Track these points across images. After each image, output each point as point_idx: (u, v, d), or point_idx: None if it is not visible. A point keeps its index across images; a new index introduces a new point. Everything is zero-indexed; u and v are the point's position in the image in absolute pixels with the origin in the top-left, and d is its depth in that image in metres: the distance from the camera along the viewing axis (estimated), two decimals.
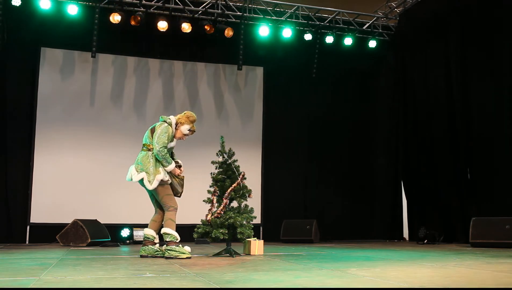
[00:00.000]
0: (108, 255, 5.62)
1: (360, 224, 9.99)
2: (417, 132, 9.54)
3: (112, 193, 8.73)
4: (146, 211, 6.14)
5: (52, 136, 8.65)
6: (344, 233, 9.70)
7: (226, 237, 5.38)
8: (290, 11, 9.62)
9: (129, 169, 5.40)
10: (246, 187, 5.66)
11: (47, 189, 8.48)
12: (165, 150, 5.29)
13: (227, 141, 5.81)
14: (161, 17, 8.85)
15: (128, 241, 8.30)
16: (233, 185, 5.55)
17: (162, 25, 8.80)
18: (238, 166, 5.72)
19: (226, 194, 5.53)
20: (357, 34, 10.06)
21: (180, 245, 5.24)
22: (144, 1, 8.84)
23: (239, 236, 5.41)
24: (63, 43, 8.85)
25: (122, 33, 8.96)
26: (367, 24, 10.14)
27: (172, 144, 5.44)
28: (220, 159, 5.74)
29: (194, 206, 6.55)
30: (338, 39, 9.95)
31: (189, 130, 5.53)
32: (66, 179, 8.59)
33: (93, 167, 8.79)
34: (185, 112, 5.62)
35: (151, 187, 5.24)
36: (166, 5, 8.97)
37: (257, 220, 7.77)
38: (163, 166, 5.29)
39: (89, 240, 7.44)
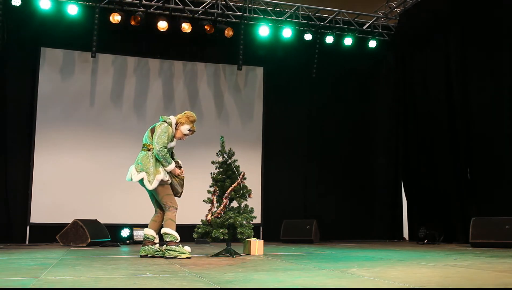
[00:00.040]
0: (108, 255, 5.62)
1: (360, 224, 9.98)
2: (417, 132, 9.54)
3: (112, 193, 8.73)
4: (146, 211, 6.14)
5: (52, 136, 8.65)
6: (344, 233, 9.69)
7: (226, 237, 5.38)
8: (290, 11, 9.62)
9: (129, 169, 5.40)
10: (246, 187, 5.66)
11: (47, 189, 8.48)
12: (165, 150, 5.29)
13: (227, 141, 5.81)
14: (161, 17, 8.85)
15: (128, 241, 8.30)
16: (233, 185, 5.55)
17: (162, 25, 8.80)
18: (238, 166, 5.72)
19: (226, 194, 5.53)
20: (357, 34, 10.06)
21: (180, 245, 5.24)
22: (144, 1, 8.84)
23: (239, 236, 5.41)
24: (63, 43, 8.85)
25: (122, 33, 8.96)
26: (367, 24, 10.14)
27: (172, 144, 5.44)
28: (220, 159, 5.74)
29: (194, 206, 6.55)
30: (338, 39, 9.95)
31: (189, 130, 5.53)
32: (66, 179, 8.60)
33: (93, 167, 8.78)
34: (185, 112, 5.62)
35: (151, 187, 5.24)
36: (166, 5, 8.97)
37: (257, 220, 7.77)
38: (163, 166, 5.29)
39: (89, 240, 7.44)
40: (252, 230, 5.53)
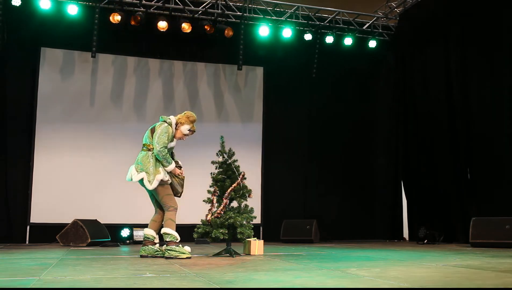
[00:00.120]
0: (108, 255, 5.62)
1: (360, 224, 9.98)
2: (417, 132, 9.54)
3: (112, 193, 8.72)
4: (146, 211, 6.14)
5: (52, 136, 8.65)
6: (344, 233, 9.69)
7: (226, 237, 5.38)
8: (290, 11, 9.62)
9: (129, 169, 5.40)
10: (246, 187, 5.66)
11: (47, 189, 8.48)
12: (166, 150, 5.29)
13: (227, 141, 5.81)
14: (161, 17, 8.85)
15: (128, 241, 8.30)
16: (233, 185, 5.55)
17: (162, 25, 8.80)
18: (238, 166, 5.72)
19: (226, 194, 5.53)
20: (357, 34, 10.06)
21: (180, 245, 5.24)
22: (144, 1, 8.84)
23: (239, 236, 5.41)
24: (63, 43, 8.85)
25: (122, 33, 8.95)
26: (367, 24, 10.14)
27: (172, 144, 5.44)
28: (220, 159, 5.74)
29: (194, 206, 6.55)
30: (338, 39, 9.95)
31: (189, 130, 5.53)
32: (66, 179, 8.60)
33: (93, 167, 8.78)
34: (185, 112, 5.62)
35: (151, 187, 5.24)
36: (166, 5, 8.97)
37: (257, 220, 7.76)
38: (163, 166, 5.29)
39: (89, 240, 7.44)
40: (252, 230, 5.53)
